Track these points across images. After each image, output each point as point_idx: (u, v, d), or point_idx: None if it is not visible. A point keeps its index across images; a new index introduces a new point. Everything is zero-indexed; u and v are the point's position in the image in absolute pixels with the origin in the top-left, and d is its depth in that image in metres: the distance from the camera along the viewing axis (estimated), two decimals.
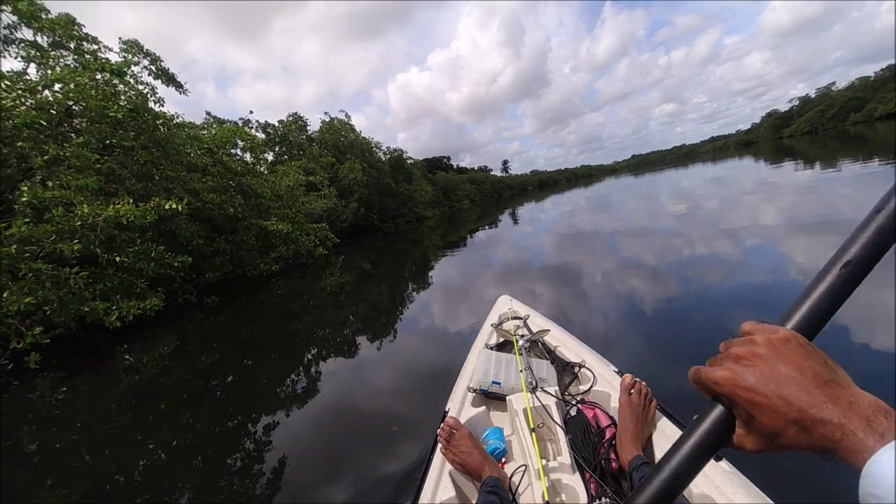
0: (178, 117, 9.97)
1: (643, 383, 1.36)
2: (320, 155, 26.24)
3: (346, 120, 30.02)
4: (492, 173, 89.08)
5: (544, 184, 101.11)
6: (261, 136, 24.99)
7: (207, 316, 7.46)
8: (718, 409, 0.35)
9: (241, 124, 24.08)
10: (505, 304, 2.55)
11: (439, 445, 1.35)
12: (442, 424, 1.37)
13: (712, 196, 12.01)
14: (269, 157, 25.24)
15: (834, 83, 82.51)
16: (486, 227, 17.59)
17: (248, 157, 12.94)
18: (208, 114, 15.10)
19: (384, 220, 29.03)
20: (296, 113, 28.48)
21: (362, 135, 30.32)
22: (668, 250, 6.03)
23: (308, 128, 29.20)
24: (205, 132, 11.53)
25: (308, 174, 22.30)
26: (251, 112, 28.06)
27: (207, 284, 9.63)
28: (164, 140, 8.24)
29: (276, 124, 27.31)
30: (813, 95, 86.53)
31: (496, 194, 67.32)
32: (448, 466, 1.32)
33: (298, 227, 11.92)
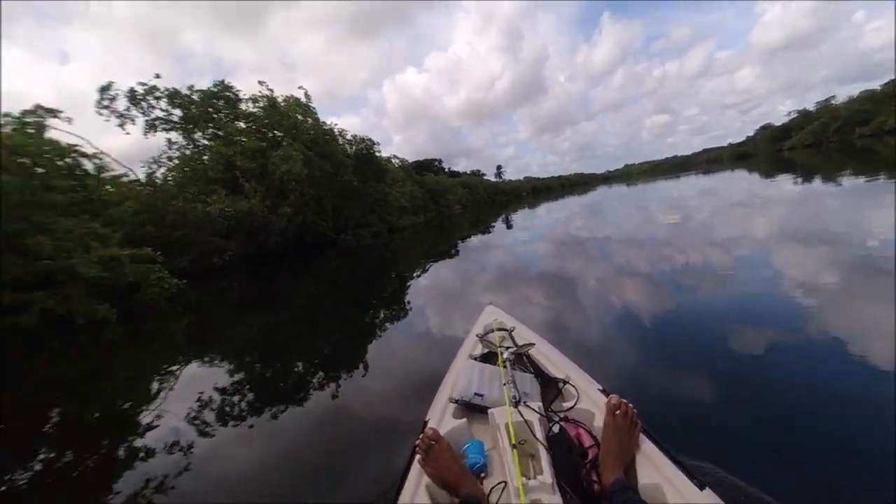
0: None
1: (630, 405, 1.33)
2: (238, 135, 18.99)
3: (304, 100, 22.28)
4: (485, 178, 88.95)
5: (538, 190, 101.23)
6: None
7: None
8: None
9: (142, 91, 17.62)
10: (491, 316, 2.54)
11: (417, 456, 1.33)
12: (421, 436, 1.34)
13: (705, 207, 12.10)
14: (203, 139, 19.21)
15: (833, 97, 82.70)
16: (479, 233, 17.46)
17: None
18: None
19: (342, 229, 21.65)
20: (223, 81, 20.42)
21: (324, 122, 23.15)
22: (660, 261, 6.00)
23: (242, 104, 21.16)
24: None
25: (227, 164, 16.96)
26: (157, 76, 20.46)
27: None
28: None
29: (191, 94, 19.19)
30: (812, 109, 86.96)
31: (490, 199, 66.93)
32: (425, 478, 1.30)
33: None
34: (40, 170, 8.01)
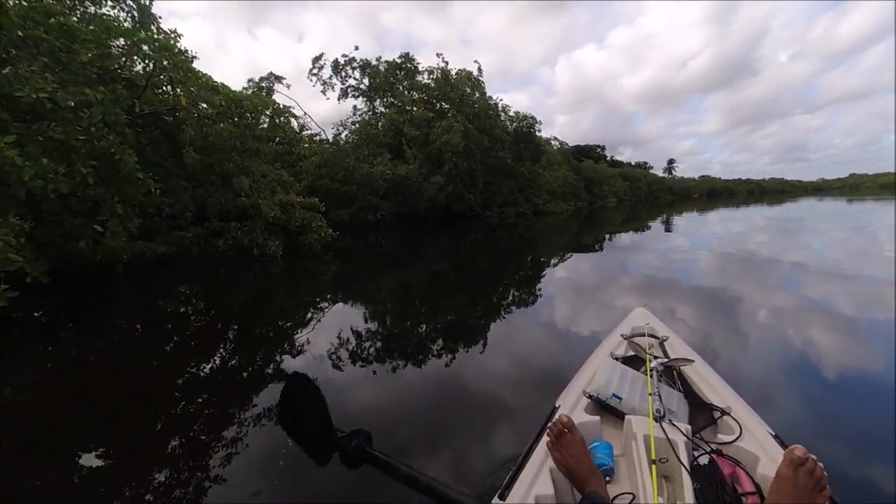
0: None
1: (820, 465, 1.06)
2: (410, 105, 20.47)
3: (476, 74, 22.35)
4: (651, 171, 79.57)
5: (716, 193, 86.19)
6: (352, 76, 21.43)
7: None
8: None
9: (343, 61, 21.34)
10: (641, 318, 2.36)
11: (545, 439, 1.33)
12: (555, 420, 1.32)
13: None
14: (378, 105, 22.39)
15: None
16: (631, 231, 15.91)
17: None
18: None
19: (488, 205, 21.84)
20: (408, 53, 22.57)
21: (490, 97, 23.21)
22: (875, 306, 4.67)
23: (419, 76, 22.69)
24: None
25: (396, 130, 18.85)
26: (356, 48, 22.21)
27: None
28: None
29: (377, 64, 21.77)
30: None
31: (652, 196, 60.07)
32: (550, 462, 1.29)
33: None
34: (262, 125, 9.87)
